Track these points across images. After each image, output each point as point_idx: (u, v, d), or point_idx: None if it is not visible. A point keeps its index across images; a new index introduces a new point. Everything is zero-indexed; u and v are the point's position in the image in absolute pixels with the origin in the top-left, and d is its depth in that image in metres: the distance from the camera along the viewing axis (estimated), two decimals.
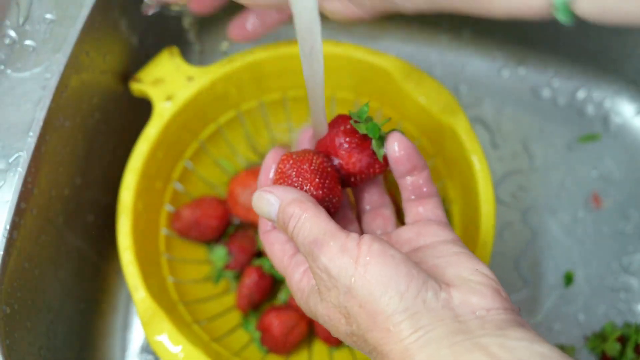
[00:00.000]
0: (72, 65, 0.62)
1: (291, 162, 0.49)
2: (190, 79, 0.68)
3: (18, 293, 0.58)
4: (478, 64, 0.87)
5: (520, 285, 0.77)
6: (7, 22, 0.62)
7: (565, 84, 0.85)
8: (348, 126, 0.51)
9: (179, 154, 0.71)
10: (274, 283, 0.71)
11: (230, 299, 0.72)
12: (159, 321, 0.60)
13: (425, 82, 0.67)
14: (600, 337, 0.73)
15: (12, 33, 0.62)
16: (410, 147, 0.50)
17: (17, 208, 0.57)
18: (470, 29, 0.85)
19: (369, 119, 0.50)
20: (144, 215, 0.66)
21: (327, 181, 0.48)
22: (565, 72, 0.85)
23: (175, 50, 0.70)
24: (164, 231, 0.70)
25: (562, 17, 0.40)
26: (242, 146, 0.76)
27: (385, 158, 0.51)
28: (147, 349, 0.75)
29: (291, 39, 0.72)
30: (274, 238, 0.51)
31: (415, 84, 0.66)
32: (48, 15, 0.63)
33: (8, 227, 0.56)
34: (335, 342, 0.69)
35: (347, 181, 0.52)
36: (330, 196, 0.48)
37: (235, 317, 0.71)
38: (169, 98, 0.67)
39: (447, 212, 0.69)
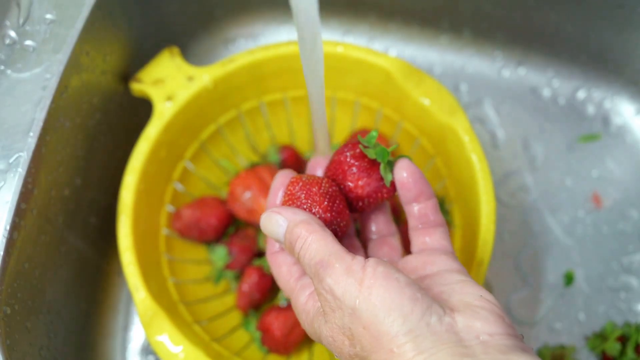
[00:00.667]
0: (72, 65, 0.62)
1: (301, 184, 0.49)
2: (190, 79, 0.68)
3: (18, 293, 0.58)
4: (478, 64, 0.87)
5: (521, 284, 0.77)
6: (7, 23, 0.62)
7: (565, 84, 0.86)
8: (357, 150, 0.51)
9: (179, 154, 0.71)
10: (274, 283, 0.71)
11: (230, 299, 0.72)
12: (159, 321, 0.60)
13: (426, 82, 0.67)
14: (601, 336, 0.73)
15: (12, 33, 0.62)
16: (417, 173, 0.51)
17: (17, 208, 0.57)
18: (470, 29, 0.85)
19: (377, 145, 0.51)
20: (145, 215, 0.66)
21: (335, 204, 0.49)
22: (565, 72, 0.85)
23: (175, 50, 0.70)
24: (164, 231, 0.70)
25: None
26: (242, 146, 0.76)
27: (392, 183, 0.51)
28: (147, 349, 0.75)
29: (291, 40, 0.72)
30: (282, 260, 0.51)
31: (416, 84, 0.66)
32: (48, 16, 0.63)
33: (8, 228, 0.56)
34: None
35: (355, 206, 0.52)
36: (338, 219, 0.49)
37: (235, 317, 0.71)
38: (169, 98, 0.67)
39: (448, 212, 0.69)
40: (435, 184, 0.71)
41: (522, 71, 0.86)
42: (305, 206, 0.49)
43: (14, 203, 0.56)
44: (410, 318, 0.39)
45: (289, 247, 0.46)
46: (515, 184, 0.81)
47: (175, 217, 0.71)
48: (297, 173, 0.53)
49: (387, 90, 0.69)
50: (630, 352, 0.70)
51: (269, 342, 0.68)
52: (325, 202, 0.48)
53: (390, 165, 0.51)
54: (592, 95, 0.85)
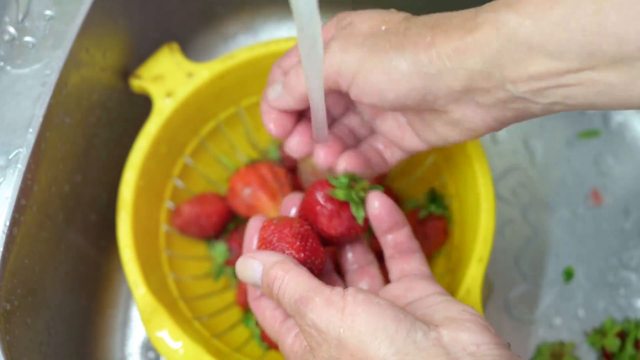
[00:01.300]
0: (72, 61, 0.62)
1: (272, 227, 0.50)
2: (190, 75, 0.67)
3: (18, 289, 0.58)
4: None
5: (520, 281, 0.77)
6: (7, 19, 0.62)
7: None
8: (327, 190, 0.52)
9: (179, 150, 0.71)
10: None
11: (230, 295, 0.72)
12: (159, 317, 0.60)
13: None
14: (600, 332, 0.73)
15: (12, 29, 0.62)
16: (390, 205, 0.51)
17: (17, 204, 0.57)
18: None
19: (346, 184, 0.52)
20: (144, 212, 0.66)
21: (308, 243, 0.50)
22: None
23: (175, 46, 0.70)
24: (164, 228, 0.70)
25: None
26: (242, 143, 0.76)
27: (365, 220, 0.52)
28: (147, 345, 0.75)
29: (292, 36, 0.72)
30: (264, 305, 0.51)
31: None
32: (47, 12, 0.62)
33: (8, 224, 0.56)
34: None
35: (329, 242, 0.53)
36: (313, 258, 0.50)
37: (235, 313, 0.71)
38: (169, 94, 0.67)
39: (447, 208, 0.69)
40: (434, 180, 0.71)
41: None
42: (278, 249, 0.49)
43: (14, 199, 0.56)
44: (396, 338, 0.39)
45: (267, 290, 0.46)
46: (515, 180, 0.81)
47: (175, 213, 0.71)
48: (268, 217, 0.53)
49: None
50: (629, 347, 0.70)
51: (269, 338, 0.68)
52: (298, 243, 0.49)
53: (362, 201, 0.52)
54: None
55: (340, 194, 0.51)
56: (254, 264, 0.47)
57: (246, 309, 0.71)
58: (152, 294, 0.61)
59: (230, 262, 0.71)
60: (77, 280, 0.70)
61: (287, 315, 0.49)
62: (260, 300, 0.51)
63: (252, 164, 0.72)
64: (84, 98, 0.66)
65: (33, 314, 0.61)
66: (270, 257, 0.47)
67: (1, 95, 0.59)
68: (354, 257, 0.55)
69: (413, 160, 0.64)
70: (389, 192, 0.69)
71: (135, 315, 0.76)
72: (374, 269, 0.55)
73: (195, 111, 0.69)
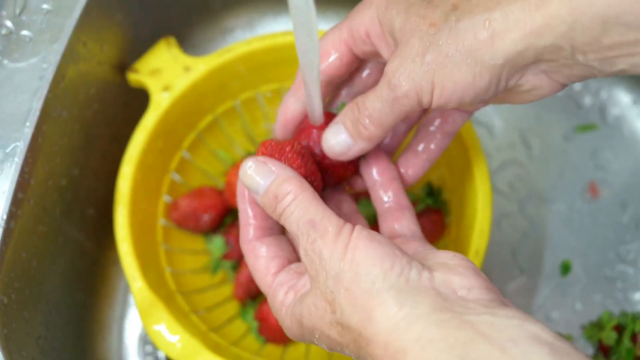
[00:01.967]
0: (69, 55, 0.62)
1: (273, 144, 0.48)
2: (187, 69, 0.67)
3: (15, 283, 0.58)
4: None
5: (518, 274, 0.77)
6: (4, 13, 0.62)
7: None
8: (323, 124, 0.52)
9: (176, 144, 0.71)
10: None
11: (227, 289, 0.72)
12: (156, 311, 0.60)
13: None
14: (597, 326, 0.73)
15: (9, 23, 0.62)
16: (378, 151, 0.51)
17: (14, 198, 0.57)
18: None
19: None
20: (142, 205, 0.66)
21: (308, 163, 0.48)
22: None
23: (172, 40, 0.70)
24: (161, 221, 0.70)
25: None
26: (239, 137, 0.76)
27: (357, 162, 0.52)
28: (145, 338, 0.75)
29: (288, 30, 0.72)
30: (259, 252, 0.49)
31: None
32: (45, 6, 0.62)
33: (5, 217, 0.56)
34: None
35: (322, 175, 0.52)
36: (312, 178, 0.48)
37: (233, 307, 0.71)
38: (166, 88, 0.67)
39: (445, 202, 0.69)
40: (431, 173, 0.71)
41: None
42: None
43: (11, 193, 0.56)
44: (390, 274, 0.39)
45: (269, 202, 0.45)
46: (512, 174, 0.81)
47: (172, 207, 0.71)
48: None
49: None
50: (626, 341, 0.70)
51: (266, 331, 0.68)
52: (299, 160, 0.47)
53: None
54: (589, 86, 0.85)
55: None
56: (266, 171, 0.45)
57: (244, 303, 0.71)
58: (150, 288, 0.61)
59: (228, 256, 0.71)
60: (75, 273, 0.70)
61: (282, 267, 0.48)
62: (255, 245, 0.49)
63: (249, 158, 0.71)
64: (81, 92, 0.66)
65: (30, 307, 0.61)
66: (286, 170, 0.45)
67: None
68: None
69: None
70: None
71: (132, 308, 0.76)
72: (364, 221, 0.55)
73: (193, 105, 0.69)
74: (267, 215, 0.50)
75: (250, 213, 0.50)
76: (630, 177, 0.81)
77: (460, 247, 0.64)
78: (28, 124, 0.58)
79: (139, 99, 0.70)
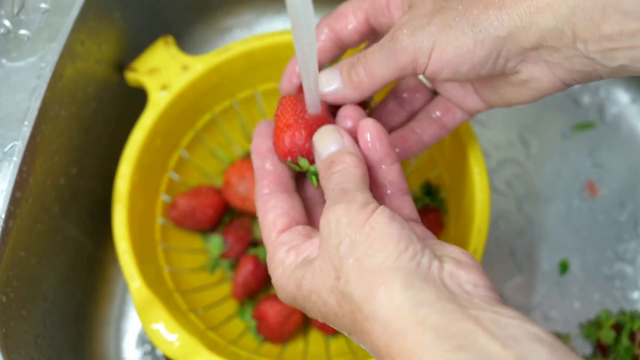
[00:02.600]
0: (67, 54, 0.62)
1: (298, 102, 0.49)
2: (185, 68, 0.68)
3: (14, 282, 0.58)
4: None
5: (516, 272, 0.77)
6: (2, 12, 0.62)
7: None
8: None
9: (174, 143, 0.71)
10: None
11: (226, 288, 0.72)
12: (155, 310, 0.60)
13: None
14: (595, 324, 0.73)
15: (7, 22, 0.62)
16: (383, 133, 0.49)
17: (12, 197, 0.57)
18: None
19: None
20: (140, 204, 0.66)
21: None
22: None
23: (170, 39, 0.70)
24: (159, 220, 0.70)
25: None
26: (237, 135, 0.76)
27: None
28: (143, 337, 0.75)
29: (286, 29, 0.72)
30: (271, 206, 0.49)
31: None
32: (43, 5, 0.62)
33: (4, 216, 0.56)
34: (331, 331, 0.70)
35: None
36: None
37: (231, 306, 0.71)
38: (164, 87, 0.67)
39: (443, 200, 0.69)
40: (429, 172, 0.71)
41: None
42: (310, 121, 0.48)
43: (9, 192, 0.57)
44: (403, 256, 0.39)
45: (325, 166, 0.46)
46: (510, 172, 0.81)
47: (170, 206, 0.71)
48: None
49: None
50: (624, 340, 0.70)
51: (264, 330, 0.68)
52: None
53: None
54: (588, 84, 0.85)
55: None
56: (339, 139, 0.46)
57: (242, 302, 0.71)
58: (148, 287, 0.61)
59: (226, 255, 0.71)
60: (73, 272, 0.70)
61: (288, 227, 0.48)
62: (269, 199, 0.49)
63: (248, 157, 0.72)
64: (79, 91, 0.66)
65: (29, 306, 0.61)
66: (347, 141, 0.46)
67: None
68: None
69: None
70: None
71: (130, 307, 0.76)
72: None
73: (191, 104, 0.69)
74: (282, 172, 0.50)
75: (266, 168, 0.50)
76: (629, 175, 0.81)
77: (458, 245, 0.64)
78: (26, 123, 0.58)
79: (137, 98, 0.70)
